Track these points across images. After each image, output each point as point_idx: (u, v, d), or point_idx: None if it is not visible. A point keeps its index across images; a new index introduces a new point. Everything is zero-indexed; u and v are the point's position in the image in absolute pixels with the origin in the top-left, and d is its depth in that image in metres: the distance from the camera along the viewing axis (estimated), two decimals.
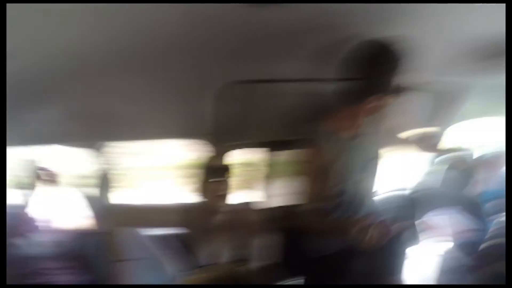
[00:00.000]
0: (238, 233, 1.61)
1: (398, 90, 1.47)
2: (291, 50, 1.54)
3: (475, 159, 2.73)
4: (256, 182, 2.14)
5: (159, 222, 1.58)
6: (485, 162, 2.74)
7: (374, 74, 1.38)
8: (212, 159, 1.54)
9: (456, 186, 2.39)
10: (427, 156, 2.61)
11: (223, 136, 1.83)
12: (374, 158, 1.72)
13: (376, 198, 1.98)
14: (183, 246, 1.55)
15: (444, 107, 2.62)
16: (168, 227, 1.58)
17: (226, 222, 1.61)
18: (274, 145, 2.12)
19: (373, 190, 1.84)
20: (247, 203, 2.06)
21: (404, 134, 2.09)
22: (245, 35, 1.33)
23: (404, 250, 1.97)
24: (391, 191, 2.90)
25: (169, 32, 1.20)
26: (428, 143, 2.28)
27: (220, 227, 1.60)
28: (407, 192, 2.88)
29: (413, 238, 2.93)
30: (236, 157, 2.05)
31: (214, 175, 1.49)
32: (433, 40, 1.74)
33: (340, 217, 1.67)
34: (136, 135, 1.72)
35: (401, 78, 1.44)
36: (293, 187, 1.63)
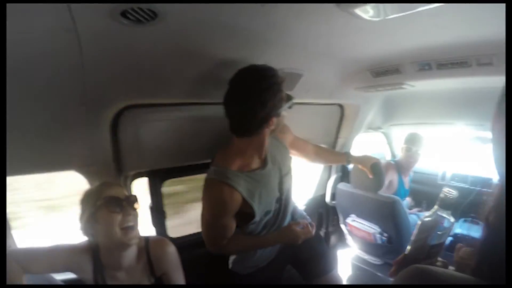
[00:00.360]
0: (155, 266, 1.49)
1: (289, 103, 1.52)
2: (180, 73, 1.52)
3: (385, 162, 2.91)
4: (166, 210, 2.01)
5: (65, 265, 1.38)
6: (394, 165, 2.93)
7: (267, 99, 1.37)
8: (114, 189, 1.38)
9: (370, 188, 2.48)
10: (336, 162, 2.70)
11: (128, 164, 1.73)
12: (287, 173, 1.73)
13: (297, 207, 2.02)
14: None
15: (349, 119, 2.78)
16: (74, 269, 1.40)
17: (141, 256, 1.47)
18: (185, 170, 2.04)
19: (293, 201, 1.87)
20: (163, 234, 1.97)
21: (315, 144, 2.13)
22: (134, 57, 1.29)
23: (334, 251, 2.03)
24: (311, 198, 2.97)
25: (53, 55, 1.11)
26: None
27: (135, 261, 1.46)
28: (328, 198, 2.98)
29: (340, 240, 3.04)
30: (143, 186, 1.93)
31: (117, 206, 1.33)
32: (328, 61, 1.84)
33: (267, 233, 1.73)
34: (27, 168, 1.50)
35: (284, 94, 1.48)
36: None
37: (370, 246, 2.66)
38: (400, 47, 1.63)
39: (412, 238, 1.18)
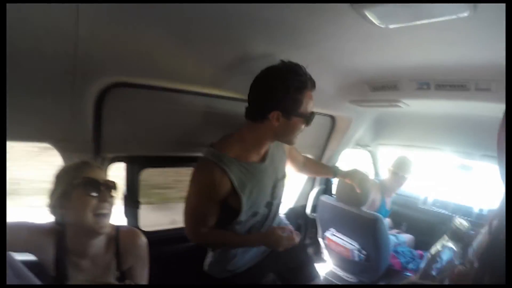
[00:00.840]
0: (123, 258, 1.39)
1: (303, 115, 1.49)
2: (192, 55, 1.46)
3: (371, 180, 2.89)
4: (145, 201, 1.92)
5: (26, 245, 1.27)
6: (378, 184, 2.92)
7: (275, 90, 1.38)
8: (94, 171, 1.29)
9: (353, 203, 2.46)
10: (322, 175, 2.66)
11: (108, 146, 1.64)
12: (282, 178, 1.71)
13: (282, 217, 2.00)
14: (57, 272, 1.29)
15: (339, 132, 2.75)
16: (35, 251, 1.29)
17: (109, 246, 1.38)
18: (167, 161, 1.98)
19: (280, 209, 1.84)
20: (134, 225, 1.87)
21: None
22: (133, 32, 1.21)
23: (312, 263, 2.04)
24: (291, 208, 2.94)
25: (47, 14, 1.04)
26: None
27: (102, 251, 1.36)
28: (308, 210, 2.93)
29: (317, 253, 3.00)
30: (122, 171, 1.83)
31: (95, 190, 1.23)
32: (327, 67, 1.81)
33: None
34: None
35: (306, 103, 1.47)
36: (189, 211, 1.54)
37: (346, 262, 2.62)
38: (402, 62, 1.61)
39: (421, 266, 1.15)
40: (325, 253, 2.85)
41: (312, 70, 1.74)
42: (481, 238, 0.67)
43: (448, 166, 3.05)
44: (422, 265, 1.11)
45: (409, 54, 1.50)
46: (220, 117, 1.86)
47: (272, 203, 1.67)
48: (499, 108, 1.11)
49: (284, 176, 1.73)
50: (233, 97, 1.75)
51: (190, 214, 1.52)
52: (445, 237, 1.07)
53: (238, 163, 1.48)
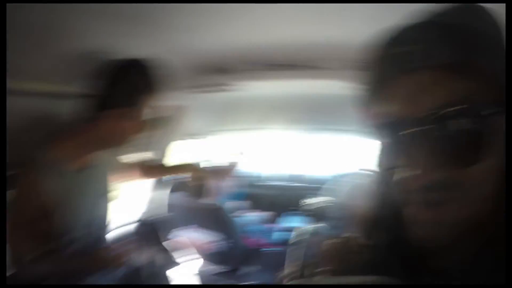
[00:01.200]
0: None
1: (142, 120, 1.33)
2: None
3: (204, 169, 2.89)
4: None
5: None
6: (215, 171, 2.93)
7: (116, 88, 1.24)
8: None
9: (195, 196, 2.44)
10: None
11: None
12: (106, 192, 1.52)
13: (111, 231, 1.83)
14: None
15: (167, 123, 2.62)
16: None
17: None
18: None
19: (107, 225, 1.60)
20: None
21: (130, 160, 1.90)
22: None
23: (163, 273, 1.97)
24: (130, 220, 2.72)
25: None
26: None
27: None
28: (145, 217, 2.78)
29: (167, 260, 2.87)
30: None
31: None
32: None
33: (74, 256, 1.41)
34: None
35: (147, 107, 1.31)
36: None
37: (210, 255, 2.62)
38: (238, 43, 1.58)
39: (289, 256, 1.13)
40: (186, 253, 2.75)
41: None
42: (350, 209, 0.70)
43: (281, 141, 3.31)
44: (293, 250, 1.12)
45: (248, 34, 1.47)
46: (52, 119, 1.50)
47: (93, 224, 1.45)
48: (338, 86, 1.16)
49: (108, 190, 1.54)
50: (68, 94, 1.44)
51: (10, 239, 1.19)
52: (310, 220, 1.10)
53: (57, 170, 1.24)
